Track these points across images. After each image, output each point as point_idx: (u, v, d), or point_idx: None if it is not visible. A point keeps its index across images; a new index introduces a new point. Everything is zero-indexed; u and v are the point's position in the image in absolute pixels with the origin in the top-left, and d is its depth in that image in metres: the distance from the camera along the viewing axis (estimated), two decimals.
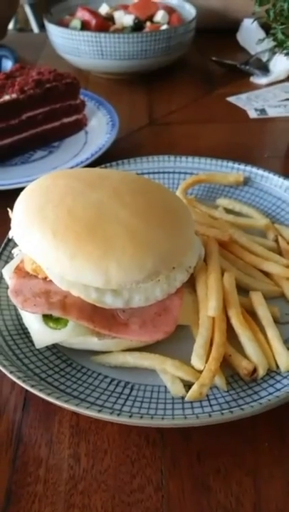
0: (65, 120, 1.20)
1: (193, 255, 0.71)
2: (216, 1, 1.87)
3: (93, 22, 1.57)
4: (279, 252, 0.83)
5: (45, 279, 0.67)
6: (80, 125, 1.23)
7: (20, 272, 0.69)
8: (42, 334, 0.66)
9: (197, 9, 1.63)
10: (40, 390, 0.60)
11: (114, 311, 0.66)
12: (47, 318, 0.66)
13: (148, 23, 1.59)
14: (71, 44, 1.47)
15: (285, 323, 0.72)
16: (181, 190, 0.93)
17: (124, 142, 1.23)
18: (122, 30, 1.57)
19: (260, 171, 0.98)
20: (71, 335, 0.66)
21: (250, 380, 0.64)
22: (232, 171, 1.00)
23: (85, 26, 1.57)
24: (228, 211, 0.92)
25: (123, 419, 0.59)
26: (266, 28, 1.56)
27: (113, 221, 0.62)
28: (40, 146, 1.18)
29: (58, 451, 0.61)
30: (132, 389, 0.65)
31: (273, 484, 0.58)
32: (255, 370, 0.64)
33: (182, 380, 0.64)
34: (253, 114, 1.38)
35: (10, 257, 0.80)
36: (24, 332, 0.71)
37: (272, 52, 1.14)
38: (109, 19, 1.62)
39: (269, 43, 1.14)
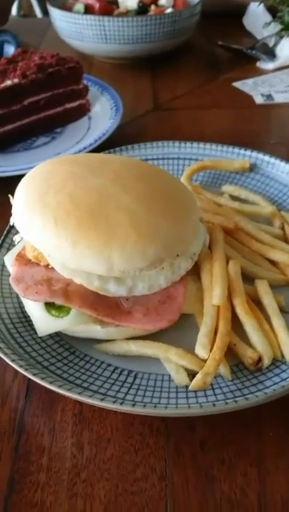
0: (68, 105, 1.18)
1: (198, 243, 0.70)
2: None
3: (97, 6, 1.54)
4: (285, 239, 0.82)
5: (47, 266, 0.65)
6: (83, 110, 1.21)
7: (22, 259, 0.68)
8: (44, 322, 0.65)
9: None
10: (43, 379, 0.60)
11: (118, 299, 0.65)
12: (49, 306, 0.65)
13: (152, 7, 1.56)
14: (74, 28, 1.45)
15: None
16: (186, 177, 0.92)
17: (128, 127, 1.22)
18: (126, 13, 1.55)
19: (267, 157, 0.96)
20: (74, 323, 0.65)
21: (255, 370, 0.64)
22: (238, 157, 0.98)
23: (88, 10, 1.55)
24: (234, 198, 0.91)
25: (126, 408, 0.58)
26: (273, 11, 1.54)
27: (116, 207, 0.61)
28: (42, 132, 1.17)
29: (61, 439, 0.61)
30: (135, 377, 0.64)
31: (278, 475, 0.57)
32: (260, 359, 0.63)
33: (186, 369, 0.63)
34: (259, 100, 1.35)
35: (12, 245, 0.79)
36: (26, 320, 0.70)
37: (279, 36, 1.12)
38: (113, 3, 1.60)
39: (276, 27, 1.12)
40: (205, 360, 0.62)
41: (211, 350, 0.63)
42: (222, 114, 1.31)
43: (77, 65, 1.15)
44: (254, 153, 0.97)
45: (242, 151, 0.98)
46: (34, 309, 0.66)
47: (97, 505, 0.55)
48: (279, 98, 1.36)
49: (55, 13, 1.50)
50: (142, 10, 1.54)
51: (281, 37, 1.20)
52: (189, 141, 1.01)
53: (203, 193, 0.89)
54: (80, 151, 1.04)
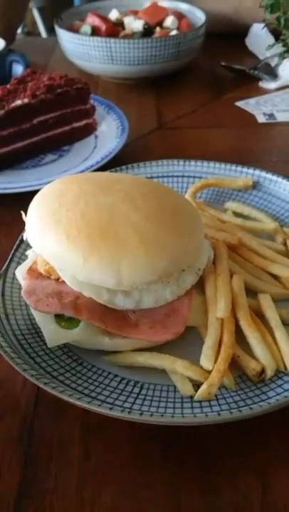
0: (76, 124, 1.21)
1: (203, 258, 0.73)
2: (226, 6, 1.89)
3: (103, 27, 1.59)
4: (287, 255, 0.84)
5: (57, 280, 0.68)
6: (90, 129, 1.24)
7: (33, 272, 0.71)
8: (54, 334, 0.68)
9: (206, 14, 1.64)
10: (54, 388, 0.62)
11: (125, 312, 0.68)
12: (59, 318, 0.68)
13: (158, 29, 1.60)
14: (81, 49, 1.49)
15: None
16: (191, 194, 0.95)
17: (133, 146, 1.25)
18: (132, 35, 1.59)
19: (269, 175, 0.99)
20: (83, 335, 0.68)
21: (259, 381, 0.65)
22: (241, 175, 1.01)
23: (95, 32, 1.59)
24: (237, 214, 0.93)
25: (134, 417, 0.60)
26: (275, 33, 1.57)
27: (125, 224, 0.64)
28: (50, 150, 1.20)
29: (69, 447, 0.63)
30: (141, 388, 0.66)
31: (281, 484, 0.59)
32: (263, 371, 0.65)
33: (191, 380, 0.65)
34: (261, 119, 1.39)
35: (22, 259, 0.81)
36: (36, 331, 0.72)
37: (282, 57, 1.15)
38: (119, 25, 1.64)
39: (278, 48, 1.15)
40: (210, 372, 0.64)
41: (215, 362, 0.65)
42: (225, 133, 1.34)
43: (85, 85, 1.19)
44: (257, 171, 1.00)
45: (245, 169, 1.01)
46: (44, 321, 0.68)
47: (103, 511, 0.57)
48: (281, 117, 1.39)
49: (63, 35, 1.54)
50: (147, 32, 1.58)
51: (284, 58, 1.23)
52: (193, 160, 1.03)
53: (207, 210, 0.92)
54: (86, 169, 1.07)
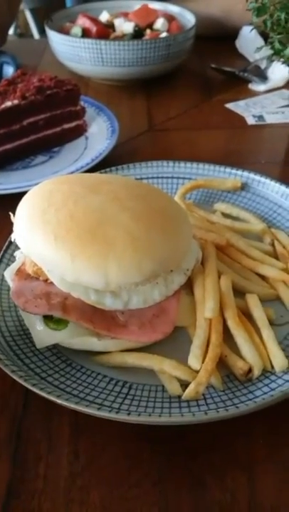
0: (66, 126, 1.22)
1: (191, 258, 0.73)
2: (216, 9, 1.90)
3: (94, 29, 1.59)
4: (275, 255, 0.85)
5: (46, 281, 0.68)
6: (80, 131, 1.25)
7: (21, 274, 0.71)
8: (43, 335, 0.68)
9: (197, 17, 1.65)
10: (41, 389, 0.62)
11: (114, 312, 0.68)
12: (48, 319, 0.68)
13: (148, 31, 1.61)
14: (72, 51, 1.50)
15: (280, 325, 0.74)
16: (180, 195, 0.95)
17: (123, 147, 1.25)
18: (122, 37, 1.60)
19: (257, 177, 1.00)
20: (71, 335, 0.68)
21: (246, 380, 0.66)
22: (229, 176, 1.01)
23: (85, 33, 1.60)
24: (226, 215, 0.94)
25: (121, 417, 0.61)
26: (265, 35, 1.58)
27: (114, 224, 0.64)
28: (40, 151, 1.20)
29: (58, 447, 0.63)
30: (130, 388, 0.66)
31: (267, 480, 0.59)
32: (250, 370, 0.66)
33: (179, 380, 0.66)
34: (251, 121, 1.40)
35: (11, 260, 0.81)
36: (25, 333, 0.73)
37: (270, 60, 1.16)
38: (110, 26, 1.65)
39: (267, 51, 1.16)
40: (197, 371, 0.65)
41: (203, 362, 0.65)
42: (215, 135, 1.35)
43: (75, 87, 1.19)
44: (245, 173, 1.00)
45: (234, 171, 1.02)
46: (33, 322, 0.69)
47: (92, 511, 0.57)
48: (270, 119, 1.40)
49: (53, 36, 1.55)
50: (137, 34, 1.59)
51: (272, 61, 1.24)
52: (183, 161, 1.04)
53: (196, 211, 0.93)
54: (77, 170, 1.07)
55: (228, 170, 1.02)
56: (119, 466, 0.61)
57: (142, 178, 1.02)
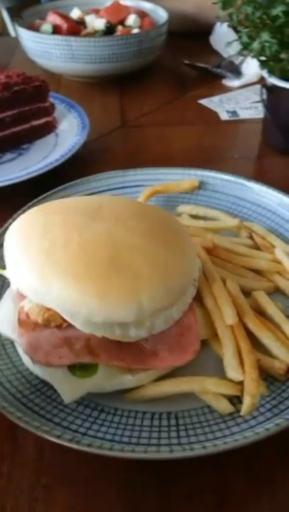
0: (35, 123, 1.19)
1: (196, 267, 0.70)
2: (190, 5, 1.89)
3: (64, 26, 1.57)
4: (256, 248, 0.84)
5: (59, 326, 0.61)
6: (49, 127, 1.22)
7: (27, 325, 0.62)
8: (71, 386, 0.60)
9: (170, 13, 1.64)
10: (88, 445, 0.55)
11: (139, 342, 0.62)
12: (72, 367, 0.61)
13: (120, 27, 1.59)
14: (42, 48, 1.47)
15: None
16: None
17: (95, 144, 1.23)
18: (94, 34, 1.58)
19: (212, 173, 0.98)
20: (104, 379, 0.61)
21: (286, 379, 0.64)
22: (183, 177, 0.99)
23: (56, 30, 1.57)
24: (193, 217, 0.91)
25: (189, 453, 0.55)
26: (238, 30, 1.58)
27: (128, 250, 0.59)
28: (9, 149, 1.17)
29: (23, 446, 0.61)
30: (176, 418, 0.62)
31: (236, 474, 0.58)
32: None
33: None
34: (224, 116, 1.39)
35: None
36: (36, 388, 0.65)
37: (240, 54, 1.14)
38: (81, 23, 1.63)
39: (239, 46, 1.15)
40: (240, 382, 0.62)
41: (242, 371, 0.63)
42: (188, 131, 1.33)
43: (43, 83, 1.17)
44: (199, 172, 0.98)
45: (187, 171, 0.99)
46: (56, 376, 0.61)
47: (56, 509, 0.55)
48: (244, 114, 1.39)
49: (23, 33, 1.52)
50: (109, 30, 1.57)
51: (242, 55, 1.24)
52: (132, 169, 1.00)
53: None
54: (46, 167, 1.05)
55: (180, 171, 0.99)
56: (84, 463, 0.59)
57: (92, 193, 0.96)
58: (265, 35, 0.98)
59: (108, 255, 0.58)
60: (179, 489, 0.57)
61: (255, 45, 1.01)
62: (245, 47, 1.04)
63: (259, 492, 0.57)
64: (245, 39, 1.02)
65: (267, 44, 1.00)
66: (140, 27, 1.62)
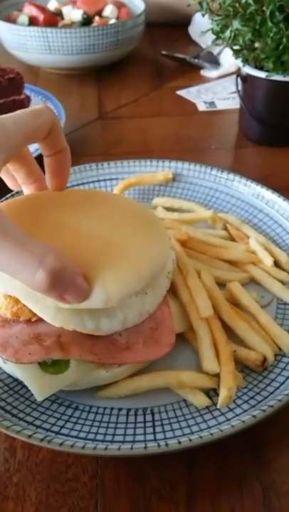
0: None
1: (170, 260, 0.70)
2: None
3: (41, 17, 1.56)
4: (231, 239, 0.85)
5: (28, 321, 0.60)
6: None
7: None
8: (43, 384, 0.59)
9: (148, 3, 1.63)
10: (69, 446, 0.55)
11: (112, 337, 0.61)
12: (44, 364, 0.60)
13: (97, 18, 1.58)
14: (18, 40, 1.46)
15: (265, 306, 0.74)
16: None
17: (72, 137, 1.23)
18: (71, 25, 1.57)
19: (186, 165, 0.98)
20: (77, 375, 0.60)
21: (263, 370, 0.65)
22: (157, 169, 0.99)
23: (33, 22, 1.56)
24: (168, 209, 0.91)
25: (173, 448, 0.55)
26: None
27: (93, 237, 0.58)
28: None
29: None
30: (152, 413, 0.62)
31: (206, 467, 0.58)
32: (264, 359, 0.65)
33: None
34: (202, 107, 1.39)
35: None
36: (10, 387, 0.64)
37: (215, 44, 1.14)
38: (58, 14, 1.61)
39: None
40: (216, 375, 0.62)
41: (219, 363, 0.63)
42: (166, 122, 1.33)
43: (17, 75, 1.16)
44: (173, 163, 0.99)
45: (161, 163, 0.99)
46: (27, 373, 0.60)
47: (28, 506, 0.55)
48: (221, 105, 1.39)
49: (0, 26, 1.50)
50: (86, 21, 1.56)
51: (217, 45, 1.23)
52: (106, 162, 0.99)
53: None
54: None
55: (154, 163, 0.99)
56: (57, 460, 0.59)
57: (67, 187, 0.95)
58: (236, 24, 0.98)
59: (71, 245, 0.56)
60: (150, 483, 0.57)
61: (227, 33, 1.02)
62: (217, 36, 1.04)
63: (229, 485, 0.58)
64: (216, 28, 1.02)
65: (239, 32, 1.00)
66: (117, 18, 1.61)
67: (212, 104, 1.40)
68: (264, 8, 0.94)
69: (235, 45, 1.06)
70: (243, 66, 1.10)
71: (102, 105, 1.41)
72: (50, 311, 0.57)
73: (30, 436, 0.55)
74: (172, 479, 0.58)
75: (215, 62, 1.62)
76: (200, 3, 1.00)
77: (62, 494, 0.56)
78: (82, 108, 1.39)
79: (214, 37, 1.11)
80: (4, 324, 0.60)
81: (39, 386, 0.59)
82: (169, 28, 1.86)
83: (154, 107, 1.40)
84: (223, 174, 0.95)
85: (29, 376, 0.59)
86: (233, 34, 1.00)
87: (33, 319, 0.60)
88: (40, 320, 0.59)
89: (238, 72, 1.17)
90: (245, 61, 1.10)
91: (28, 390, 0.62)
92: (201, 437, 0.55)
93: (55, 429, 0.59)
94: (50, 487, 0.57)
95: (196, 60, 1.60)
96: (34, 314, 0.59)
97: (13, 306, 0.59)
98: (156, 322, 0.65)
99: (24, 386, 0.63)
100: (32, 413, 0.61)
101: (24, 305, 0.58)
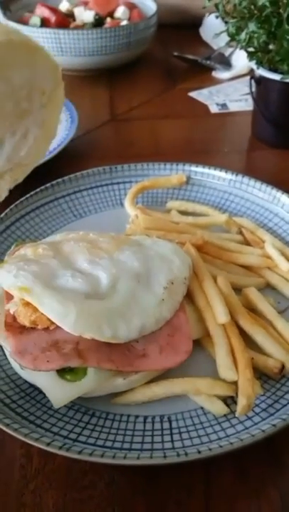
0: None
1: (185, 266, 0.70)
2: None
3: (53, 19, 1.55)
4: (246, 243, 0.84)
5: (46, 329, 0.60)
6: None
7: (13, 328, 0.61)
8: (60, 391, 0.59)
9: (160, 4, 1.62)
10: (79, 452, 0.55)
11: (129, 344, 0.62)
12: (62, 371, 0.60)
13: (108, 19, 1.58)
14: None
15: (282, 312, 0.73)
16: (130, 201, 0.92)
17: (85, 139, 1.23)
18: (83, 26, 1.56)
19: (200, 168, 0.97)
20: (94, 383, 0.60)
21: (280, 378, 0.64)
22: (171, 172, 0.98)
23: (44, 23, 1.55)
24: (182, 213, 0.91)
25: (192, 457, 0.55)
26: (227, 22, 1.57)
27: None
28: None
29: (10, 450, 0.61)
30: (170, 421, 0.62)
31: (223, 473, 0.58)
32: (283, 366, 0.64)
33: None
34: (214, 109, 1.38)
35: None
36: (27, 393, 0.64)
37: (229, 46, 1.14)
38: (70, 16, 1.61)
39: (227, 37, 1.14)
40: (234, 382, 0.62)
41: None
42: (178, 124, 1.33)
43: None
44: (187, 166, 0.98)
45: (174, 166, 0.99)
46: (45, 380, 0.60)
47: None
48: (233, 107, 1.39)
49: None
50: (98, 22, 1.56)
51: (230, 47, 1.23)
52: (120, 165, 0.99)
53: (154, 214, 0.88)
54: None
55: (168, 166, 0.99)
56: (73, 467, 0.59)
57: (80, 190, 0.96)
58: (252, 26, 0.97)
59: None
60: (167, 489, 0.57)
61: (243, 35, 1.01)
62: (233, 38, 1.04)
63: (247, 492, 0.57)
64: (232, 30, 1.01)
65: (254, 35, 0.99)
66: (129, 19, 1.60)
67: (224, 106, 1.39)
68: (280, 10, 0.93)
69: (249, 47, 1.05)
70: (257, 68, 1.10)
71: (113, 107, 1.40)
72: (69, 320, 0.57)
73: (48, 444, 0.54)
74: (189, 485, 0.57)
75: (226, 63, 1.61)
76: (216, 5, 0.99)
77: (79, 502, 0.56)
78: (94, 110, 1.39)
79: (227, 39, 1.10)
80: (22, 331, 0.60)
81: (57, 393, 0.59)
82: (180, 29, 1.85)
83: (166, 108, 1.40)
84: (238, 177, 0.95)
85: (47, 383, 0.59)
86: (248, 36, 0.99)
87: (51, 327, 0.59)
88: (57, 327, 0.59)
89: (251, 74, 1.16)
90: (260, 63, 1.09)
91: (44, 396, 0.61)
92: (220, 446, 0.54)
93: (73, 436, 0.59)
94: (66, 494, 0.57)
95: (208, 62, 1.60)
96: (52, 322, 0.59)
97: (31, 315, 0.60)
98: (172, 328, 0.64)
99: (40, 392, 0.62)
100: (49, 419, 0.61)
101: (42, 313, 0.58)
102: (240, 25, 1.02)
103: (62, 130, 1.17)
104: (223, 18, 1.06)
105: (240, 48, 1.05)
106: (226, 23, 1.09)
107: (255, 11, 0.96)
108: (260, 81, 1.13)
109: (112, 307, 0.61)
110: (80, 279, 0.62)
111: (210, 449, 0.54)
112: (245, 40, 1.00)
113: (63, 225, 0.90)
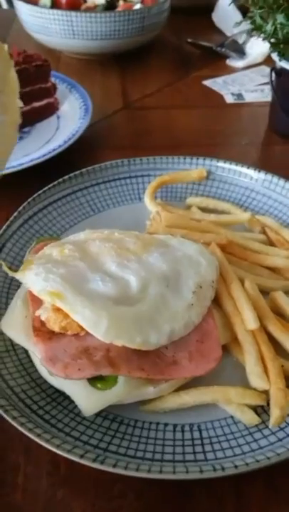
0: (36, 104, 1.15)
1: (213, 269, 0.68)
2: None
3: (64, 0, 1.51)
4: (270, 243, 0.82)
5: (76, 335, 0.58)
6: (51, 109, 1.18)
7: (42, 333, 0.59)
8: (91, 399, 0.57)
9: None
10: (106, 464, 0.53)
11: (159, 351, 0.60)
12: (93, 379, 0.58)
13: (121, 2, 1.54)
14: (41, 23, 1.41)
15: None
16: (149, 196, 0.89)
17: (98, 127, 1.19)
18: (94, 8, 1.52)
19: (221, 163, 0.94)
20: (125, 391, 0.58)
21: None
22: (190, 166, 0.95)
23: (55, 4, 1.51)
24: (202, 209, 0.88)
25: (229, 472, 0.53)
26: (243, 9, 1.53)
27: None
28: None
29: (37, 458, 0.59)
30: (200, 430, 0.60)
31: (254, 483, 0.57)
32: None
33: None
34: (229, 99, 1.35)
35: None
36: (53, 399, 0.62)
37: (250, 35, 1.11)
38: None
39: (246, 25, 1.11)
40: (265, 391, 0.60)
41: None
42: (193, 114, 1.30)
43: (45, 62, 1.12)
44: (207, 161, 0.95)
45: (194, 160, 0.96)
46: (75, 388, 0.58)
47: None
48: (249, 97, 1.36)
49: (21, 7, 1.46)
50: (110, 5, 1.52)
51: (251, 36, 1.19)
52: (138, 158, 0.96)
53: (176, 211, 0.85)
54: (49, 153, 1.01)
55: (187, 160, 0.96)
56: (101, 476, 0.57)
57: (98, 183, 0.93)
58: (280, 17, 0.94)
59: None
60: (197, 500, 0.56)
61: (269, 27, 0.98)
62: (258, 28, 1.00)
63: (278, 504, 0.56)
64: (258, 20, 0.98)
65: (281, 26, 0.96)
66: (142, 2, 1.56)
67: (240, 96, 1.36)
68: None
69: (272, 38, 1.02)
70: (280, 60, 1.06)
71: (126, 94, 1.37)
72: (101, 328, 0.55)
73: (82, 456, 0.53)
74: (220, 496, 0.56)
75: (240, 51, 1.57)
76: None
77: (108, 510, 0.54)
78: (106, 97, 1.35)
79: (246, 27, 1.07)
80: (51, 337, 0.58)
81: (87, 401, 0.57)
82: (192, 15, 1.80)
83: (180, 97, 1.37)
84: (260, 174, 0.92)
85: (76, 391, 0.58)
86: (273, 28, 0.96)
87: (81, 334, 0.58)
88: (87, 333, 0.57)
89: (268, 64, 1.13)
90: (282, 55, 1.06)
91: (71, 402, 0.60)
92: (257, 461, 0.53)
93: (103, 445, 0.57)
94: (95, 504, 0.55)
95: (222, 49, 1.56)
96: (82, 329, 0.57)
97: (62, 321, 0.58)
98: (201, 334, 0.63)
99: (67, 398, 0.61)
100: (77, 427, 0.59)
101: (73, 320, 0.56)
102: (265, 16, 0.99)
103: (76, 117, 1.14)
104: (244, 7, 1.03)
105: (263, 39, 1.02)
106: (246, 11, 1.06)
107: (285, 3, 0.93)
108: (280, 73, 1.10)
109: (142, 313, 0.59)
110: (109, 283, 0.60)
111: (247, 464, 0.52)
112: (270, 31, 0.97)
113: (81, 220, 0.88)
